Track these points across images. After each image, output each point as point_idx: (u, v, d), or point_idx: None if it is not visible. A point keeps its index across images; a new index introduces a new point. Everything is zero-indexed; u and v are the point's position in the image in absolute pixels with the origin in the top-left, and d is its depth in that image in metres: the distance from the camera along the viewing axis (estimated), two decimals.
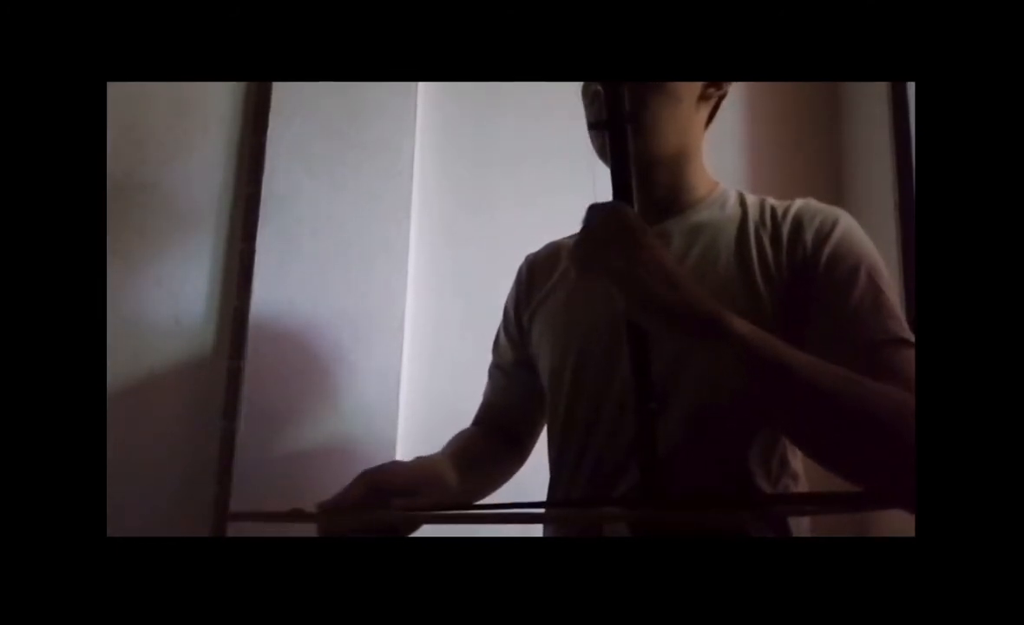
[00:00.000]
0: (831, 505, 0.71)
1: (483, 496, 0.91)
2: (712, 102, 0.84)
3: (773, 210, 0.78)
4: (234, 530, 1.13)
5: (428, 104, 1.36)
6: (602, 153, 0.77)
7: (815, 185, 1.36)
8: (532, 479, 0.93)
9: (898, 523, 0.61)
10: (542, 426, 0.96)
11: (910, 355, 0.65)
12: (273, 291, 1.23)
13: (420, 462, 0.85)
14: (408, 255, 1.29)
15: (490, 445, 0.96)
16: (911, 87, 1.23)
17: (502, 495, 0.94)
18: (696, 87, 0.80)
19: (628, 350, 0.65)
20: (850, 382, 0.59)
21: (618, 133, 0.67)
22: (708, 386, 0.72)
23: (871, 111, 1.31)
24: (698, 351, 0.63)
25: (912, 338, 0.66)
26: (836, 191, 1.38)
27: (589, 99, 0.81)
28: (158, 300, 1.21)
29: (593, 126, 0.78)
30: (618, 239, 0.63)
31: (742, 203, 0.81)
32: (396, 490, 0.76)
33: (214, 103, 1.29)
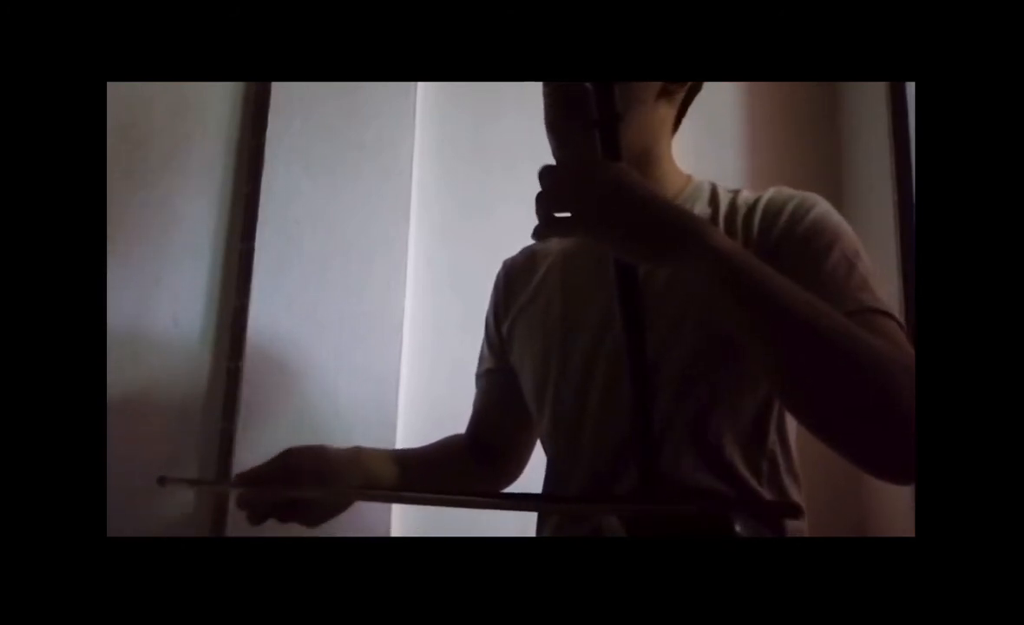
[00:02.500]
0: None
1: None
2: (677, 98, 0.81)
3: (746, 202, 0.77)
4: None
5: (427, 104, 1.36)
6: (557, 154, 0.79)
7: (815, 185, 1.34)
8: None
9: (898, 523, 0.61)
10: (526, 441, 0.95)
11: (885, 324, 0.64)
12: (272, 291, 1.23)
13: (355, 451, 0.83)
14: (407, 255, 1.29)
15: (459, 455, 0.94)
16: (911, 87, 1.23)
17: None
18: (654, 85, 0.78)
19: (620, 321, 0.65)
20: (832, 315, 0.59)
21: (609, 131, 0.67)
22: (701, 359, 0.72)
23: (871, 111, 1.31)
24: (684, 270, 0.63)
25: (886, 309, 0.66)
26: (836, 191, 1.38)
27: (548, 95, 0.80)
28: (157, 300, 1.21)
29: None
30: (586, 178, 0.63)
31: (713, 198, 0.80)
32: (310, 471, 0.76)
33: (214, 103, 1.29)
